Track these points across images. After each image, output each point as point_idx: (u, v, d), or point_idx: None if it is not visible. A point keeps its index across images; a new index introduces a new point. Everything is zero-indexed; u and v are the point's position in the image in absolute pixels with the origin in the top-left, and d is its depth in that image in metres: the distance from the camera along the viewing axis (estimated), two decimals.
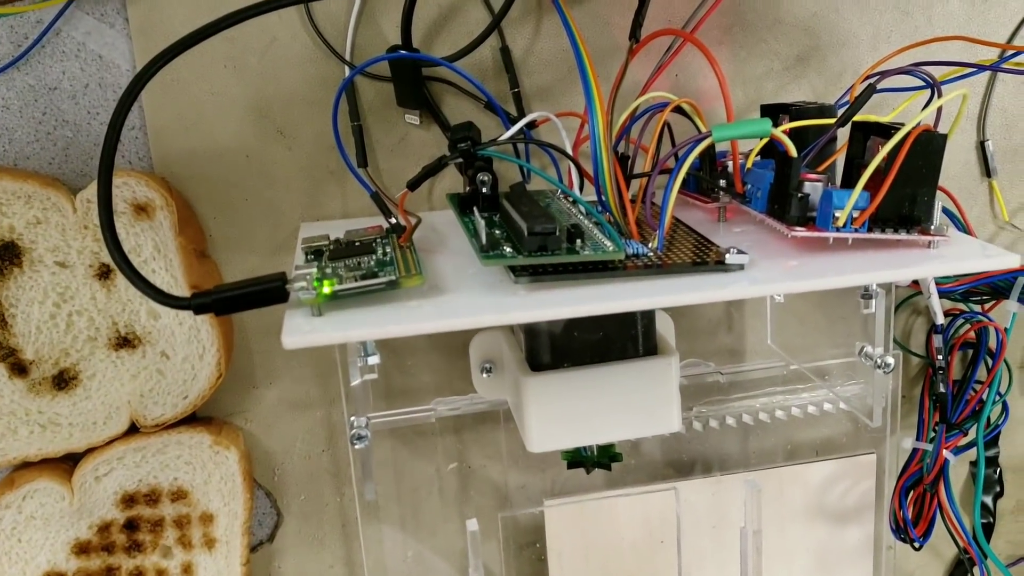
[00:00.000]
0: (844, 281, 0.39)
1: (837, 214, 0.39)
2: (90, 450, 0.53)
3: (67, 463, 0.54)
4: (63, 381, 0.51)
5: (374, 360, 0.44)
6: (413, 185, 0.45)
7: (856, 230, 0.40)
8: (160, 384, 0.52)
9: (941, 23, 0.58)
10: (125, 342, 0.51)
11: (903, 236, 0.40)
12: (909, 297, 0.62)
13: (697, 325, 0.60)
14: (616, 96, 0.45)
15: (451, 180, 0.55)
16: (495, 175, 0.45)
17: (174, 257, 0.50)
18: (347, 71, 0.52)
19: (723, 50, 0.56)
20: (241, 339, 0.55)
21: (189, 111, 0.52)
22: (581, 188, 0.48)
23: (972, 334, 0.61)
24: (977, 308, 0.61)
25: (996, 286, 0.57)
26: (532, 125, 0.52)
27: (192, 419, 0.55)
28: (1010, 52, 0.48)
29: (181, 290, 0.51)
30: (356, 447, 0.47)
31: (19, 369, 0.51)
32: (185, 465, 0.54)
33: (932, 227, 0.41)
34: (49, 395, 0.51)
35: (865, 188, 0.39)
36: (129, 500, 0.54)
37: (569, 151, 0.48)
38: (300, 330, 0.36)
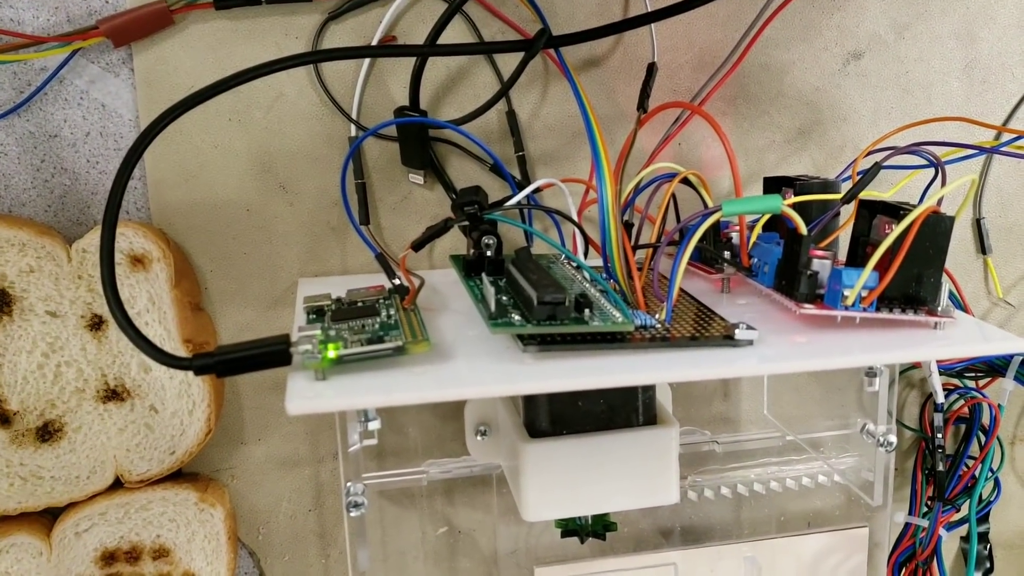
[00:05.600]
0: (852, 361, 0.38)
1: (846, 293, 0.39)
2: (71, 505, 0.52)
3: (47, 517, 0.52)
4: (48, 433, 0.50)
5: (375, 425, 0.43)
6: (418, 246, 0.45)
7: (864, 309, 0.39)
8: (147, 439, 0.51)
9: (940, 102, 0.59)
10: (114, 395, 0.50)
11: (911, 317, 0.40)
12: (905, 371, 0.62)
13: (693, 392, 0.59)
14: (624, 165, 0.45)
15: (452, 239, 0.54)
16: (500, 239, 0.45)
17: (168, 310, 0.50)
18: (353, 129, 0.52)
19: (726, 121, 0.56)
20: (232, 394, 0.54)
21: (191, 163, 0.51)
22: (586, 254, 0.48)
23: (966, 409, 0.61)
24: (971, 384, 0.61)
25: (992, 364, 0.57)
26: (537, 190, 0.52)
27: (178, 475, 0.53)
28: (1011, 136, 0.48)
29: (174, 343, 0.50)
30: (352, 515, 0.46)
31: (2, 419, 0.49)
32: (169, 522, 0.52)
33: (939, 308, 0.41)
34: (32, 447, 0.50)
35: None
36: (109, 557, 0.52)
37: (574, 217, 0.48)
38: (304, 395, 0.35)
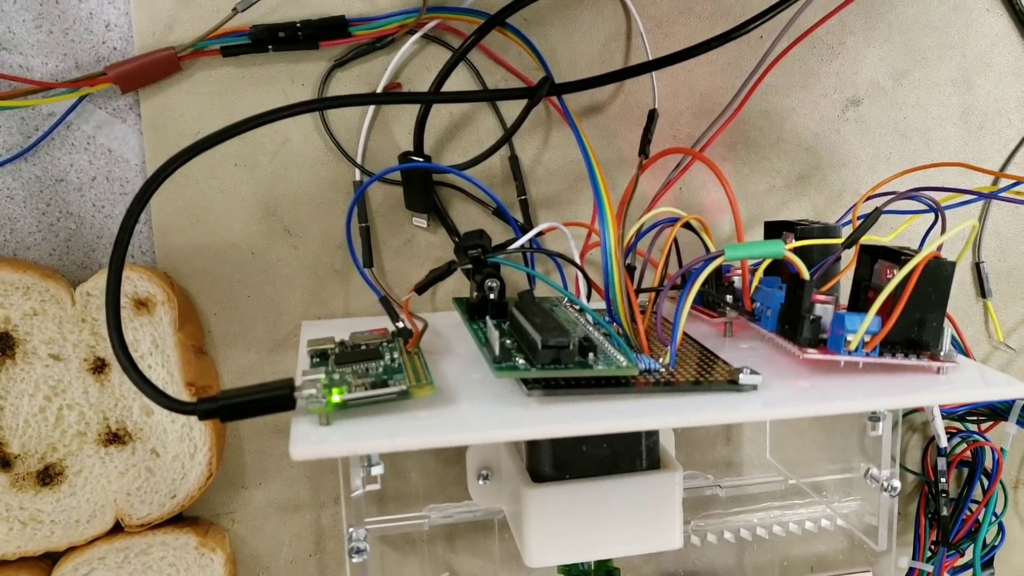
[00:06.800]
0: (857, 406, 0.39)
1: (849, 338, 0.39)
2: (70, 549, 0.51)
3: (45, 562, 0.52)
4: (48, 477, 0.50)
5: (378, 470, 0.43)
6: (421, 289, 0.45)
7: (868, 354, 0.40)
8: (148, 482, 0.51)
9: (938, 147, 0.59)
10: (115, 438, 0.50)
11: (913, 361, 0.40)
12: (907, 414, 0.62)
13: (696, 436, 0.59)
14: (626, 210, 0.46)
15: (455, 282, 0.54)
16: (503, 282, 0.45)
17: (172, 353, 0.50)
18: (358, 174, 0.52)
19: (727, 166, 0.57)
20: (233, 438, 0.54)
21: (196, 207, 0.52)
22: (588, 297, 0.48)
23: (968, 453, 0.60)
24: (974, 428, 0.61)
25: (995, 408, 0.57)
26: (539, 233, 0.52)
27: (178, 519, 0.53)
28: (1010, 181, 0.49)
29: (177, 387, 0.50)
30: (354, 561, 0.45)
31: (2, 463, 0.49)
32: (169, 567, 0.52)
33: (941, 353, 0.41)
34: (32, 491, 0.50)
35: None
36: None
37: (577, 260, 0.48)
38: (308, 440, 0.35)
